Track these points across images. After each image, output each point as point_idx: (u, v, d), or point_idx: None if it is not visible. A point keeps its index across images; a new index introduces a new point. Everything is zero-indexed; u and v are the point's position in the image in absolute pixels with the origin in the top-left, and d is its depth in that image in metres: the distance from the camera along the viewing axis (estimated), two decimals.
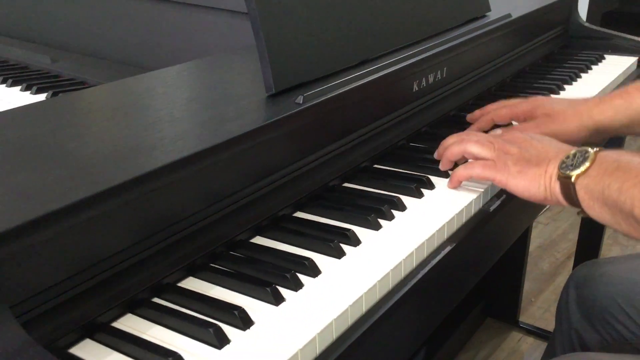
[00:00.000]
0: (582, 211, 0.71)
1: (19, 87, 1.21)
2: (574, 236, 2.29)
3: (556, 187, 0.72)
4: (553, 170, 0.72)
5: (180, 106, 0.74)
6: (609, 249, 2.19)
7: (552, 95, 1.16)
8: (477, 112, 0.99)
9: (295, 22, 0.80)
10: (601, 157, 0.69)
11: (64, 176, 0.56)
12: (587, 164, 0.69)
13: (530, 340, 1.81)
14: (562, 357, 0.90)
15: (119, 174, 0.56)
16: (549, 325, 1.85)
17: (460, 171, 0.80)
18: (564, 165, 0.71)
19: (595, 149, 0.70)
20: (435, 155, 0.87)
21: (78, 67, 1.29)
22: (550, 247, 2.27)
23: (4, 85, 1.23)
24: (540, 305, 1.96)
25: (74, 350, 0.55)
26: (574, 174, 0.69)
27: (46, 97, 1.16)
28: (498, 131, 0.93)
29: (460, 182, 0.82)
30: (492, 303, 1.85)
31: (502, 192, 0.83)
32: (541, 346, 1.77)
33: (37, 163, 0.59)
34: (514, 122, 0.97)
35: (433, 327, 0.77)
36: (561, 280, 2.07)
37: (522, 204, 0.81)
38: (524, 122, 0.94)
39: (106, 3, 1.34)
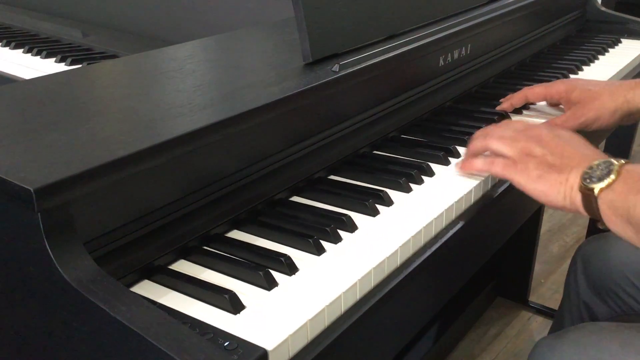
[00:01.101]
0: (602, 223, 0.69)
1: (53, 59, 1.25)
2: (583, 221, 2.33)
3: (577, 197, 0.69)
4: (575, 179, 0.69)
5: (224, 71, 0.78)
6: None
7: (571, 76, 1.19)
8: (506, 104, 1.01)
9: None
10: (627, 172, 0.66)
11: (126, 129, 0.60)
12: (611, 177, 0.66)
13: (539, 319, 1.85)
14: (575, 327, 0.94)
15: (176, 128, 0.61)
16: (557, 305, 1.89)
17: (479, 164, 0.79)
18: (586, 176, 0.68)
19: (620, 162, 0.67)
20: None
21: (108, 41, 1.33)
22: (559, 231, 2.30)
23: (39, 56, 1.27)
24: (549, 286, 2.00)
25: (134, 289, 0.59)
26: (598, 187, 0.66)
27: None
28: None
29: (473, 172, 0.80)
30: (503, 283, 1.90)
31: None
32: (549, 325, 1.81)
33: (102, 116, 0.63)
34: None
35: (453, 292, 0.81)
36: None
37: None
38: (557, 104, 0.96)
39: None
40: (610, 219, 0.66)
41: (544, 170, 0.72)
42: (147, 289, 0.59)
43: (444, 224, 0.73)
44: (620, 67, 1.24)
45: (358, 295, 0.61)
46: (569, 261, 2.10)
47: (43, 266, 0.50)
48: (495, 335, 1.78)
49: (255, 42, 0.94)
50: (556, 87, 0.97)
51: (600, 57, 1.32)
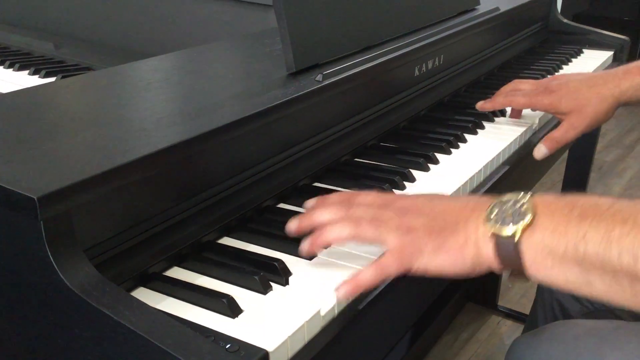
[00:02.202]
0: (518, 274, 0.58)
1: (26, 72, 1.24)
2: None
3: (487, 250, 0.57)
4: (476, 231, 0.58)
5: (211, 81, 0.79)
6: None
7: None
8: (487, 104, 1.02)
9: (312, 9, 0.86)
10: (543, 204, 0.56)
11: (121, 137, 0.61)
12: (528, 216, 0.55)
13: (509, 322, 1.89)
14: (552, 324, 0.97)
15: (170, 136, 0.62)
16: (526, 309, 1.94)
17: (367, 277, 0.60)
18: (492, 222, 0.57)
19: (528, 194, 0.57)
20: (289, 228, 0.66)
21: (81, 53, 1.33)
22: None
23: (11, 69, 1.26)
24: (517, 290, 2.05)
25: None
26: (518, 229, 0.55)
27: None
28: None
29: (364, 286, 0.60)
30: (472, 288, 1.94)
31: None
32: (519, 328, 1.86)
33: (95, 126, 0.64)
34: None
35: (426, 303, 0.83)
36: None
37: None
38: (548, 112, 0.99)
39: None
40: (542, 265, 0.55)
41: (437, 240, 0.59)
42: (144, 296, 0.60)
43: None
44: None
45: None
46: None
47: (45, 274, 0.51)
48: (467, 339, 1.82)
49: (237, 53, 0.95)
50: (540, 100, 0.97)
51: (564, 66, 1.37)
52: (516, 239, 0.55)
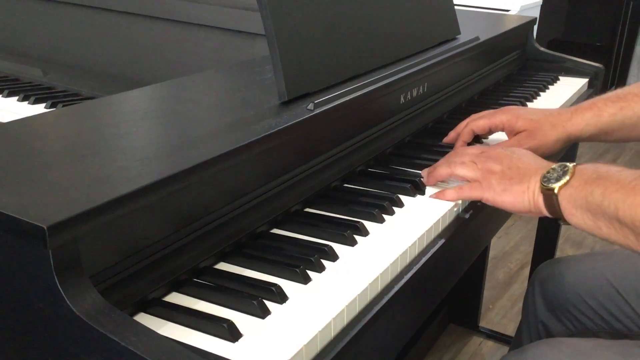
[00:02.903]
0: (563, 220, 0.78)
1: (15, 98, 1.25)
2: (525, 248, 2.44)
3: (539, 200, 0.79)
4: (535, 185, 0.79)
5: (207, 110, 0.82)
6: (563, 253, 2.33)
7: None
8: (452, 134, 1.07)
9: (303, 41, 0.89)
10: (580, 170, 0.77)
11: (123, 166, 0.63)
12: (567, 177, 0.76)
13: (490, 343, 1.92)
14: (536, 342, 1.00)
15: (168, 166, 0.63)
16: (506, 329, 1.97)
17: (451, 194, 0.87)
18: (545, 179, 0.78)
19: (572, 163, 0.78)
20: (423, 174, 0.93)
21: (70, 80, 1.34)
22: (504, 258, 2.40)
23: (0, 95, 1.27)
24: (497, 311, 2.08)
25: None
26: (557, 186, 0.77)
27: (45, 108, 1.21)
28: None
29: (447, 201, 0.87)
30: (454, 309, 1.96)
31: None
32: (500, 349, 1.89)
33: (97, 155, 0.66)
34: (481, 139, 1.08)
35: (430, 310, 0.86)
36: (516, 288, 2.20)
37: (491, 213, 0.91)
38: (504, 132, 1.03)
39: (94, 19, 1.40)
40: (570, 212, 0.76)
41: (506, 184, 0.82)
42: (145, 321, 0.61)
43: (416, 251, 0.78)
44: (560, 104, 1.34)
45: (345, 321, 0.65)
46: (514, 286, 2.21)
47: (52, 300, 0.52)
48: None
49: (230, 82, 0.97)
50: (499, 117, 1.02)
51: (542, 93, 1.42)
52: (555, 191, 0.77)
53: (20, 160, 0.65)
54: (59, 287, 0.51)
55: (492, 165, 0.85)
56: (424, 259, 0.77)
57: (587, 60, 1.59)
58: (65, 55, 1.43)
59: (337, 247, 0.75)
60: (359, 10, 1.02)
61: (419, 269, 0.76)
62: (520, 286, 2.21)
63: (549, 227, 1.74)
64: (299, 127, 0.80)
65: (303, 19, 0.90)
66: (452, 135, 1.07)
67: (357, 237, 0.77)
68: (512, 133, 1.02)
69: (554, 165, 0.79)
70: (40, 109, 1.21)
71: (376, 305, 0.68)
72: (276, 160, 0.79)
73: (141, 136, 0.73)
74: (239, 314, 0.63)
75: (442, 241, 0.81)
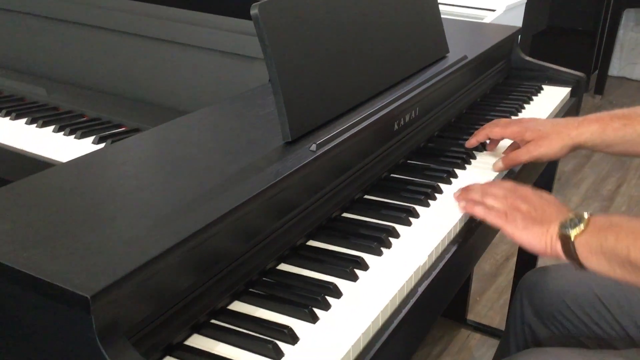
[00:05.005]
0: (578, 264, 0.87)
1: (23, 120, 1.29)
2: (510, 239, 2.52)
3: (557, 245, 0.88)
4: (554, 230, 0.88)
5: (218, 155, 0.88)
6: None
7: None
8: (472, 140, 1.21)
9: (304, 82, 0.95)
10: (595, 219, 0.86)
11: (149, 226, 0.69)
12: (582, 225, 0.86)
13: (477, 336, 2.01)
14: (523, 352, 1.09)
15: (189, 225, 0.70)
16: (493, 322, 2.06)
17: (478, 211, 0.97)
18: (563, 227, 0.87)
19: (588, 213, 0.87)
20: (455, 195, 1.03)
21: (74, 99, 1.39)
22: (489, 249, 2.49)
23: (8, 118, 1.31)
24: (484, 304, 2.17)
25: None
26: (574, 233, 0.86)
27: (53, 130, 1.25)
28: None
29: (472, 213, 0.98)
30: None
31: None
32: (487, 341, 1.98)
33: (123, 213, 0.72)
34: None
35: (424, 336, 0.93)
36: (502, 280, 2.29)
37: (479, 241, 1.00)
38: (515, 140, 1.17)
39: (95, 38, 1.44)
40: (586, 257, 0.85)
41: (528, 223, 0.91)
42: None
43: (413, 284, 0.85)
44: (546, 115, 1.41)
45: (352, 358, 0.72)
46: (500, 278, 2.30)
47: None
48: (439, 353, 1.93)
49: (233, 120, 1.03)
50: (511, 128, 1.16)
51: (526, 105, 1.49)
52: (572, 239, 0.86)
53: (49, 221, 0.70)
54: (102, 349, 0.58)
55: (521, 204, 0.94)
56: (420, 289, 0.85)
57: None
58: (67, 74, 1.47)
59: (340, 283, 0.82)
60: (355, 42, 1.08)
61: (415, 301, 0.83)
62: (505, 278, 2.30)
63: None
64: (304, 169, 0.86)
65: (304, 64, 0.95)
66: (472, 141, 1.21)
67: (358, 272, 0.84)
68: (523, 142, 1.15)
69: (572, 214, 0.88)
70: (49, 131, 1.25)
71: (377, 341, 0.75)
72: (283, 200, 0.85)
73: (159, 189, 0.79)
74: (255, 356, 0.70)
75: (435, 272, 0.89)
